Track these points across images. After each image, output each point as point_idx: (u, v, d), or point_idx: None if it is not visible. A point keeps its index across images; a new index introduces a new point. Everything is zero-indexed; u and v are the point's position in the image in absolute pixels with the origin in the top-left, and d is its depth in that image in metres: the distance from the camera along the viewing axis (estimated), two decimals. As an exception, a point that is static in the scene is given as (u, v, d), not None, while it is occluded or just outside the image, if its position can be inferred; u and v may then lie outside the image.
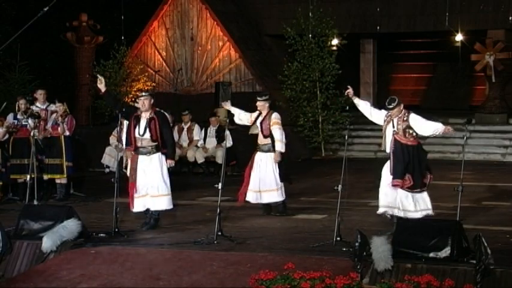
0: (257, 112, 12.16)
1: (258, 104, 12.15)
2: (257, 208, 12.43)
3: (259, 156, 12.12)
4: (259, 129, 12.13)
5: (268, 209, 12.22)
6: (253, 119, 12.22)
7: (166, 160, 11.04)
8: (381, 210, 10.84)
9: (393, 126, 10.71)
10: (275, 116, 12.05)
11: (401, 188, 10.58)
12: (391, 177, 10.66)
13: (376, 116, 11.02)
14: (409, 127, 10.64)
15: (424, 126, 10.71)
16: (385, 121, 10.87)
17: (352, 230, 9.76)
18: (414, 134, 10.70)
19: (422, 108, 23.59)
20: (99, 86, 11.35)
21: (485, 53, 20.83)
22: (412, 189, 10.61)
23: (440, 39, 23.99)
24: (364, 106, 11.19)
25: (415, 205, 10.64)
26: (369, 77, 24.17)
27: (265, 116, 12.08)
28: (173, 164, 11.22)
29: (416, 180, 10.62)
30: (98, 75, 11.57)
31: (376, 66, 24.36)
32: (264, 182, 12.01)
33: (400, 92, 25.38)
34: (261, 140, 12.10)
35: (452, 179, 14.23)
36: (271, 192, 12.03)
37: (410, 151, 10.64)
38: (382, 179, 10.85)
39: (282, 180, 12.02)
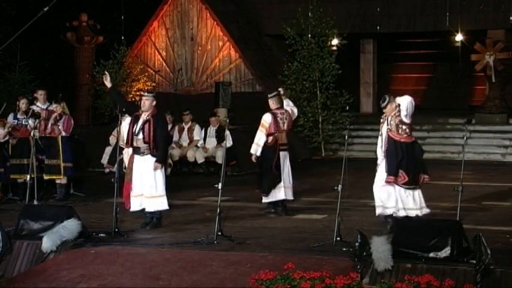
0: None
1: (269, 101, 12.22)
2: (257, 208, 12.43)
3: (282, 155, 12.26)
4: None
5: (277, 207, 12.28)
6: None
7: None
8: (378, 211, 10.87)
9: (388, 124, 10.72)
10: (263, 118, 12.15)
11: (397, 184, 10.58)
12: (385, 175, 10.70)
13: (380, 136, 11.07)
14: (402, 122, 10.60)
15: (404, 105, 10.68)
16: (381, 123, 10.88)
17: (352, 230, 9.76)
18: (408, 130, 10.66)
19: (422, 108, 23.58)
20: (105, 81, 11.46)
21: (485, 53, 20.83)
22: (407, 185, 10.60)
23: (440, 39, 23.98)
24: (379, 150, 11.12)
25: (414, 202, 10.65)
26: (369, 77, 24.16)
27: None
28: (158, 168, 10.99)
29: (411, 176, 10.58)
30: (105, 72, 11.66)
31: (376, 66, 24.35)
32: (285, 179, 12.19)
33: (400, 92, 25.33)
34: (283, 139, 12.22)
35: (452, 179, 14.24)
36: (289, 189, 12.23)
37: (404, 148, 10.60)
38: (376, 179, 10.89)
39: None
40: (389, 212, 10.72)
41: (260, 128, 12.06)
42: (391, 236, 9.10)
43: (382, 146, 10.80)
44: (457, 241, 8.62)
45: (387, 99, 10.68)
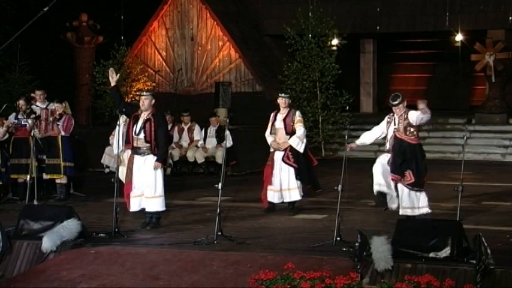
0: (274, 112, 12.27)
1: (280, 100, 12.23)
2: (257, 208, 12.43)
3: (278, 155, 12.15)
4: (283, 126, 12.14)
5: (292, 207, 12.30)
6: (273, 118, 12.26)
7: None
8: (376, 188, 11.00)
9: (394, 124, 10.82)
10: (299, 114, 12.27)
11: (402, 183, 10.67)
12: (389, 167, 10.87)
13: (379, 129, 11.13)
14: (410, 125, 10.75)
15: (414, 115, 10.80)
16: (388, 123, 11.01)
17: (352, 230, 9.77)
18: (415, 132, 10.78)
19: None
20: (110, 78, 11.37)
21: (485, 53, 20.85)
22: (412, 186, 10.72)
23: (440, 39, 24.00)
24: (368, 137, 11.21)
25: (413, 203, 10.74)
26: (369, 77, 24.18)
27: (288, 113, 12.18)
28: (159, 167, 10.98)
29: (417, 178, 10.74)
30: (111, 68, 11.60)
31: (376, 66, 24.37)
32: (287, 181, 12.11)
33: (400, 92, 25.37)
34: (283, 138, 12.12)
35: (452, 179, 14.25)
36: (294, 191, 12.15)
37: (410, 147, 10.73)
38: (377, 160, 11.04)
39: (303, 181, 12.18)
40: (383, 189, 10.99)
41: (302, 123, 12.17)
42: (390, 235, 9.11)
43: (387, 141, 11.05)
44: (457, 241, 8.63)
45: (401, 97, 10.82)
